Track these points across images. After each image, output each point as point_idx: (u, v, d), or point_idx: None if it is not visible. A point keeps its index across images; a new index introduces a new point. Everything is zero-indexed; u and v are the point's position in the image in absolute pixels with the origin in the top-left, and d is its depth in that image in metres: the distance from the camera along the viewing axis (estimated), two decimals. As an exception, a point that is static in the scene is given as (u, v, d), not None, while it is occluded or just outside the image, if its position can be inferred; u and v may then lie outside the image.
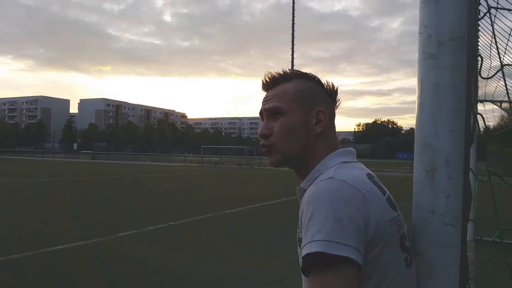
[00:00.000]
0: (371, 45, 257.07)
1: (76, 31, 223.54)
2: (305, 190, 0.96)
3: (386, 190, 0.94)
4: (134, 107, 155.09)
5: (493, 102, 6.15)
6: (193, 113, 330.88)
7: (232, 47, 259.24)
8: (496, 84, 5.11)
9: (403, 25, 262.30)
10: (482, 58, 0.99)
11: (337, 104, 1.07)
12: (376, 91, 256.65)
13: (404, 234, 0.91)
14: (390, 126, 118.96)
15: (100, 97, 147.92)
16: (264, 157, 51.05)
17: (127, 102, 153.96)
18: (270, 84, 1.05)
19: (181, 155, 65.56)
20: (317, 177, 0.94)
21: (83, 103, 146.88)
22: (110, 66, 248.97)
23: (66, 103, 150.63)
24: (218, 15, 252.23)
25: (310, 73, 1.05)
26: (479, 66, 0.98)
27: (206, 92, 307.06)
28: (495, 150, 29.35)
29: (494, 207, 1.52)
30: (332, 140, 1.02)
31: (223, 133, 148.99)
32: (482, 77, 1.05)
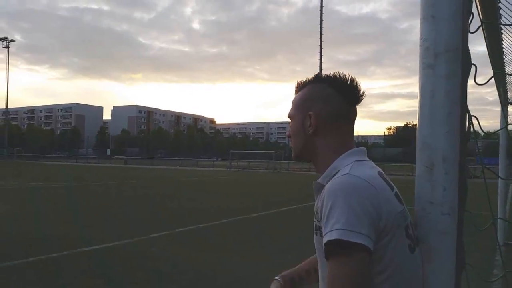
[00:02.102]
0: (400, 48, 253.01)
1: (108, 40, 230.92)
2: (321, 185, 1.10)
3: (394, 186, 1.08)
4: (164, 113, 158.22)
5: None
6: (221, 119, 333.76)
7: (259, 53, 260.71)
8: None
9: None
10: (476, 66, 1.10)
11: (353, 101, 1.14)
12: (406, 94, 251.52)
13: (408, 224, 1.04)
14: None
15: (131, 103, 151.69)
16: (291, 161, 51.08)
17: (158, 109, 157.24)
18: (295, 91, 1.24)
19: (209, 160, 66.31)
20: (335, 174, 1.07)
21: (115, 109, 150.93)
22: (141, 74, 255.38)
23: (99, 110, 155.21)
24: (245, 21, 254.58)
25: (325, 75, 1.18)
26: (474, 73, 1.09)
27: (234, 98, 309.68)
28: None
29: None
30: (335, 137, 1.14)
31: (251, 138, 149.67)
32: (477, 84, 1.16)
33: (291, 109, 1.20)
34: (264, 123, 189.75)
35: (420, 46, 1.05)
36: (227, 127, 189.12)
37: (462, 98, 1.01)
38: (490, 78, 1.19)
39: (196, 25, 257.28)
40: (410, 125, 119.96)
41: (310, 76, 1.21)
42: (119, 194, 15.37)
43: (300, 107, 1.17)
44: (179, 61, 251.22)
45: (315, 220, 1.06)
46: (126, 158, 58.80)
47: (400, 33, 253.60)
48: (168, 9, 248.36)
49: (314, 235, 1.07)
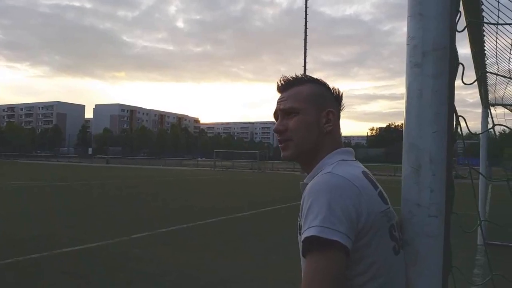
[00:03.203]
0: (383, 49, 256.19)
1: (90, 38, 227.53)
2: (307, 184, 1.06)
3: (379, 185, 1.06)
4: (148, 112, 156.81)
5: (503, 105, 6.17)
6: (206, 118, 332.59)
7: (244, 53, 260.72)
8: (505, 88, 5.16)
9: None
10: (463, 66, 1.09)
11: (341, 108, 1.19)
12: (389, 95, 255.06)
13: (393, 225, 1.01)
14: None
15: (114, 102, 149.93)
16: (276, 161, 51.15)
17: (141, 107, 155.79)
18: (285, 86, 1.16)
19: (193, 159, 65.97)
20: (318, 173, 1.05)
21: (98, 108, 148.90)
22: (124, 72, 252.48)
23: (81, 108, 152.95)
24: (229, 21, 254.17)
25: (320, 79, 1.18)
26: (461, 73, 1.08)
27: (219, 97, 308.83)
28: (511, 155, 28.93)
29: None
30: (337, 139, 1.15)
31: (235, 138, 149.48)
32: (464, 84, 1.14)
33: (296, 102, 1.11)
34: (249, 123, 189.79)
35: (407, 44, 1.02)
36: (211, 127, 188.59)
37: (450, 98, 0.99)
38: (477, 78, 1.17)
39: (180, 24, 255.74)
40: (393, 126, 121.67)
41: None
42: (101, 193, 15.14)
43: (312, 102, 1.12)
44: (163, 60, 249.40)
45: (298, 219, 1.04)
46: (108, 158, 58.07)
47: (383, 35, 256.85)
48: (152, 8, 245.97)
49: (298, 236, 1.04)
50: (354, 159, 1.12)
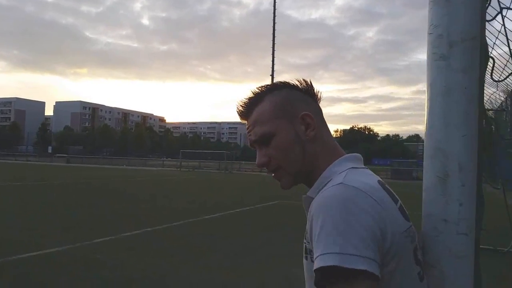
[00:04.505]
0: (347, 53, 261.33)
1: (51, 32, 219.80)
2: (311, 198, 0.90)
3: (398, 198, 0.89)
4: (111, 110, 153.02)
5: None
6: (171, 117, 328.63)
7: (211, 52, 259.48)
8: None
9: (378, 34, 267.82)
10: (494, 60, 0.96)
11: (318, 97, 1.02)
12: (352, 98, 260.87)
13: (417, 246, 0.86)
14: (366, 132, 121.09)
15: (76, 99, 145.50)
16: (243, 161, 50.96)
17: (104, 105, 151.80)
18: (246, 111, 1.00)
19: (158, 159, 64.74)
20: (326, 184, 0.89)
21: (58, 105, 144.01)
22: (87, 69, 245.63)
23: (41, 105, 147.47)
24: (196, 20, 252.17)
25: (279, 82, 1.01)
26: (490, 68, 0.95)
27: (185, 96, 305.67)
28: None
29: (508, 215, 1.50)
30: (329, 140, 0.98)
31: (202, 138, 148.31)
32: (494, 80, 1.02)
33: (263, 125, 0.95)
34: (216, 123, 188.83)
35: (430, 33, 0.89)
36: (177, 126, 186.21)
37: (480, 97, 0.86)
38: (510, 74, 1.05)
39: (145, 21, 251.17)
40: (356, 128, 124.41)
41: (261, 82, 1.01)
42: (60, 195, 14.45)
43: (280, 116, 0.95)
44: (128, 57, 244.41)
45: (304, 241, 0.87)
46: (68, 157, 56.09)
47: (347, 40, 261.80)
48: (116, 4, 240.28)
49: (304, 260, 0.88)
50: (364, 166, 0.95)
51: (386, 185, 0.89)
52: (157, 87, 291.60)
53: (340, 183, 0.83)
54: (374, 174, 0.93)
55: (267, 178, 31.61)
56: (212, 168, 43.21)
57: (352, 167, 0.90)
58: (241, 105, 1.00)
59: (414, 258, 0.83)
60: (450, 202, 0.83)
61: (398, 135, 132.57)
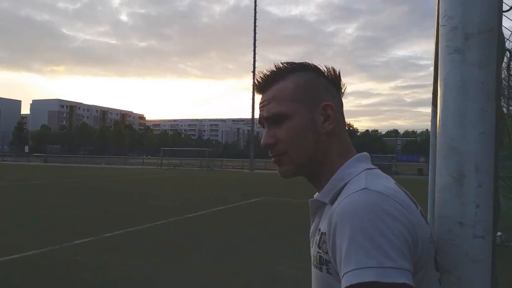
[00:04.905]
0: (327, 50, 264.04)
1: (27, 29, 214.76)
2: (322, 202, 0.84)
3: (417, 202, 0.83)
4: (89, 108, 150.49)
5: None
6: (151, 115, 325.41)
7: (191, 49, 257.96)
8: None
9: (357, 30, 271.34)
10: (510, 53, 0.92)
11: (342, 91, 0.94)
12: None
13: (436, 251, 0.81)
14: (346, 128, 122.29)
15: (53, 97, 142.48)
16: (225, 158, 50.73)
17: (82, 103, 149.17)
18: (263, 85, 0.91)
19: (139, 157, 63.98)
20: (342, 188, 0.82)
21: (35, 104, 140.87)
22: (64, 66, 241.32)
23: (17, 104, 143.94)
24: (176, 16, 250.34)
25: (306, 63, 0.92)
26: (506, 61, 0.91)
27: (165, 94, 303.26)
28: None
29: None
30: (345, 138, 0.91)
31: (183, 135, 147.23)
32: (510, 74, 0.98)
33: (281, 104, 0.87)
34: (197, 120, 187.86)
35: (442, 25, 0.84)
36: (157, 124, 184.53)
37: (497, 92, 0.82)
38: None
39: (124, 17, 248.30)
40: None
41: (264, 67, 0.93)
42: (37, 195, 14.08)
43: (302, 99, 0.87)
44: (106, 54, 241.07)
45: (318, 250, 0.80)
46: (46, 156, 54.88)
47: (327, 36, 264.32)
48: (94, 0, 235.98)
49: (317, 270, 0.81)
50: (374, 166, 0.88)
51: (404, 189, 0.83)
52: (137, 84, 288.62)
53: (364, 188, 0.76)
54: (389, 176, 0.86)
55: (249, 175, 31.56)
56: (193, 166, 42.90)
57: (367, 168, 0.84)
58: (260, 77, 0.92)
59: (435, 264, 0.79)
60: (466, 203, 0.79)
61: (377, 131, 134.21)
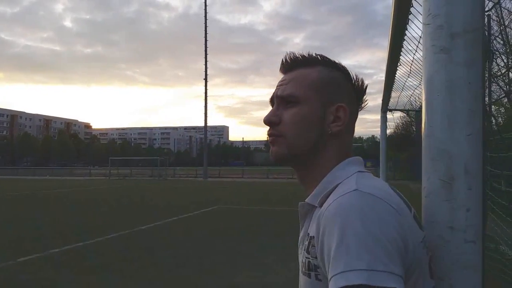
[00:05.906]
0: (277, 58, 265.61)
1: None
2: (312, 206, 0.80)
3: (411, 205, 0.80)
4: (31, 117, 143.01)
5: (401, 110, 6.59)
6: (98, 123, 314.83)
7: (139, 56, 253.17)
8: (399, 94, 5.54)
9: (305, 40, 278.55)
10: (493, 53, 0.91)
11: (362, 105, 0.92)
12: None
13: (431, 257, 0.78)
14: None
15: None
16: (177, 168, 49.80)
17: (23, 112, 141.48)
18: (289, 65, 0.90)
19: (85, 168, 61.49)
20: (332, 190, 0.78)
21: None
22: (3, 73, 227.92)
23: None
24: (123, 22, 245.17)
25: (339, 63, 0.91)
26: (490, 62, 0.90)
27: (112, 101, 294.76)
28: (391, 156, 31.85)
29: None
30: (347, 144, 0.89)
31: (132, 144, 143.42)
32: (493, 75, 0.97)
33: (299, 88, 0.85)
34: (147, 128, 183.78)
35: (427, 24, 0.81)
36: (104, 133, 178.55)
37: (483, 93, 0.80)
38: (509, 69, 1.01)
39: (68, 23, 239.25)
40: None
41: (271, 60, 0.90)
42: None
43: (320, 91, 0.85)
44: (49, 60, 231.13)
45: (307, 255, 0.76)
46: (-16, 168, 51.40)
47: (276, 45, 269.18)
48: (35, 4, 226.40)
49: (305, 277, 0.76)
50: (367, 170, 0.86)
51: (397, 191, 0.80)
52: (82, 92, 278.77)
53: (355, 189, 0.72)
54: (381, 179, 0.84)
55: (203, 183, 31.16)
56: (145, 175, 41.81)
57: (359, 171, 0.81)
58: (289, 57, 0.90)
59: (429, 270, 0.76)
60: (457, 208, 0.76)
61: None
